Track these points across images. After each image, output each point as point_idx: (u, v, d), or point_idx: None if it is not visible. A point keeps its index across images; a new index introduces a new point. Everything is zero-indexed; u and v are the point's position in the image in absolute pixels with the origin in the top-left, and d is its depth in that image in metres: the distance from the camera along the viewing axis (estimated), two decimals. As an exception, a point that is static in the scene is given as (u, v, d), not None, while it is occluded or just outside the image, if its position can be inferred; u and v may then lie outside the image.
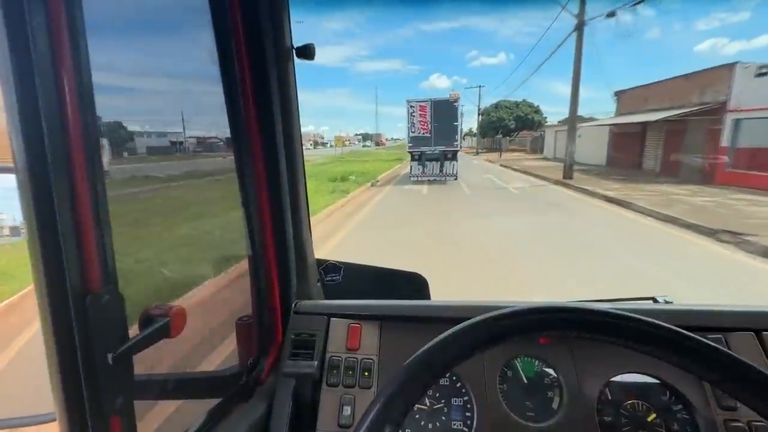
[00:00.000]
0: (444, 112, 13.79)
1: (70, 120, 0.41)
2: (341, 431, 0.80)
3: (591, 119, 22.31)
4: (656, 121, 13.63)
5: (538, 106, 42.71)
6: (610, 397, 0.79)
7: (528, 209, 8.94)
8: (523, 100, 43.09)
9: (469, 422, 0.80)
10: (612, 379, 0.80)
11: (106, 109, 0.51)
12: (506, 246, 5.77)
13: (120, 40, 0.63)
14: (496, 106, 43.04)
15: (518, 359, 0.84)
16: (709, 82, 12.28)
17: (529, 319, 0.47)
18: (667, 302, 0.98)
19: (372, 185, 14.34)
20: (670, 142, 14.06)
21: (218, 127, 0.82)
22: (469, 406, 0.81)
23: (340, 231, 6.89)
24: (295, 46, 0.89)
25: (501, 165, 22.53)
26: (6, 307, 1.38)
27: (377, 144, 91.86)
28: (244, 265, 0.90)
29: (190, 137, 1.05)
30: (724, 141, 11.65)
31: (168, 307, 0.55)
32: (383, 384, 0.75)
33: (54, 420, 0.45)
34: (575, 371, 0.81)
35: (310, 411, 0.83)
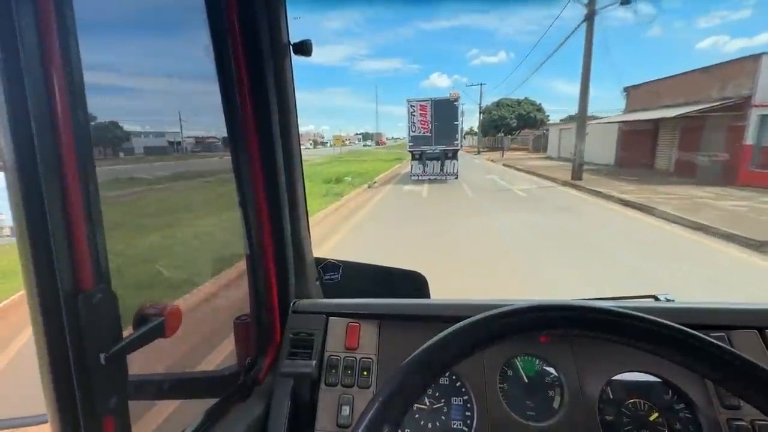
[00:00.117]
0: (444, 111, 13.74)
1: (60, 118, 0.41)
2: (340, 431, 0.79)
3: (593, 117, 21.77)
4: (670, 118, 12.79)
5: (540, 104, 42.18)
6: (611, 396, 0.78)
7: (537, 215, 8.08)
8: (525, 98, 42.53)
9: (469, 422, 0.79)
10: (613, 378, 0.79)
11: (100, 107, 0.51)
12: (519, 264, 4.94)
13: (112, 36, 0.63)
14: (498, 104, 42.47)
15: (519, 358, 0.83)
16: (731, 75, 11.40)
17: (529, 318, 0.47)
18: (668, 300, 0.98)
19: (369, 187, 13.58)
20: (685, 140, 13.20)
21: (215, 125, 0.81)
22: (469, 405, 0.80)
23: (324, 244, 6.06)
24: (291, 43, 0.88)
25: (503, 164, 21.71)
26: (5, 307, 1.38)
27: (378, 143, 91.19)
28: (242, 264, 0.89)
29: (186, 136, 1.04)
30: (749, 138, 10.79)
31: (163, 307, 0.54)
32: (382, 383, 0.73)
33: (46, 421, 0.44)
34: (576, 370, 0.80)
35: (309, 411, 0.82)
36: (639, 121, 14.87)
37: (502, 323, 0.47)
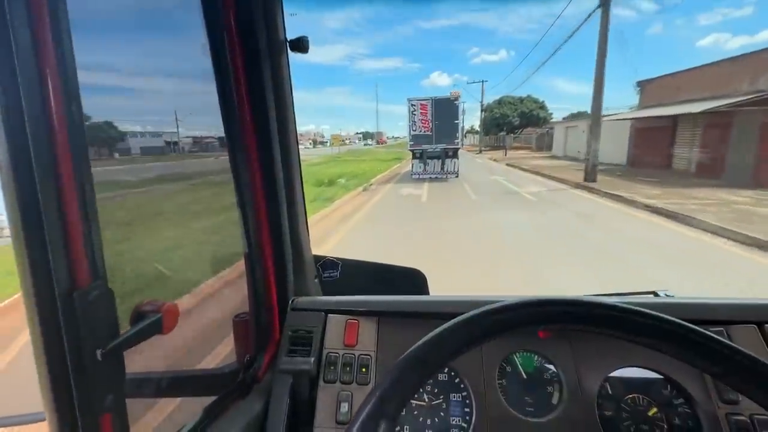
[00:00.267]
0: (445, 110, 13.81)
1: (54, 117, 0.41)
2: (339, 428, 0.79)
3: (601, 115, 20.79)
4: (690, 114, 11.68)
5: (543, 101, 41.12)
6: (610, 392, 0.78)
7: (554, 225, 6.98)
8: (528, 96, 41.55)
9: (468, 418, 0.79)
10: (612, 374, 0.79)
11: (96, 106, 0.51)
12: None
13: (107, 34, 0.62)
14: (500, 102, 41.52)
15: (517, 354, 0.83)
16: (766, 65, 10.28)
17: (520, 314, 0.47)
18: (668, 296, 0.98)
19: (364, 189, 12.51)
20: (708, 137, 12.07)
21: (212, 123, 0.80)
22: (467, 401, 0.80)
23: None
24: (288, 40, 0.87)
25: (507, 164, 20.61)
26: (6, 306, 1.40)
27: (378, 142, 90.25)
28: (240, 262, 0.88)
29: (183, 135, 1.04)
30: (787, 136, 9.69)
31: (160, 304, 0.54)
32: (379, 379, 0.70)
33: (44, 419, 0.44)
34: (575, 366, 0.80)
35: (308, 408, 0.82)
36: (655, 117, 13.74)
37: (496, 319, 0.47)
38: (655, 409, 0.76)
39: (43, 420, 0.46)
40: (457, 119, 14.02)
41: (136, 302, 0.53)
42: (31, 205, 0.39)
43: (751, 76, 10.61)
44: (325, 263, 1.14)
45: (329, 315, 0.90)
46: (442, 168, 14.11)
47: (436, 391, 0.81)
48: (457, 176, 14.08)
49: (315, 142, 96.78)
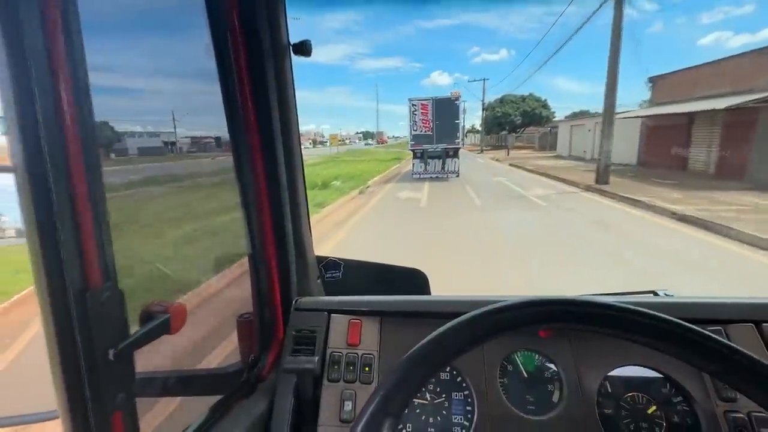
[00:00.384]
0: (445, 110, 13.81)
1: (67, 118, 0.41)
2: (343, 426, 0.79)
3: (597, 114, 20.39)
4: (708, 112, 10.87)
5: (545, 100, 40.37)
6: (610, 390, 0.79)
7: (572, 236, 6.18)
8: (530, 94, 40.78)
9: (469, 416, 0.79)
10: (612, 373, 0.79)
11: (106, 109, 0.52)
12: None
13: (116, 40, 0.63)
14: (502, 101, 40.78)
15: (518, 353, 0.83)
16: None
17: (523, 313, 0.48)
18: (667, 295, 0.98)
19: (360, 192, 11.73)
20: (729, 136, 11.25)
21: (216, 125, 0.81)
22: (469, 400, 0.81)
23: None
24: (291, 43, 0.88)
25: (510, 164, 19.80)
26: (8, 305, 1.39)
27: (379, 142, 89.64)
28: (244, 262, 0.89)
29: (188, 137, 1.06)
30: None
31: (168, 304, 0.54)
32: (383, 378, 0.76)
33: (57, 417, 0.45)
34: (575, 365, 0.80)
35: (312, 406, 0.82)
36: (668, 115, 12.91)
37: (498, 318, 0.47)
38: (654, 407, 0.77)
39: (56, 418, 0.45)
40: (458, 119, 14.04)
41: (142, 301, 0.54)
42: (45, 208, 0.40)
43: (778, 70, 9.79)
44: (327, 264, 1.14)
45: (332, 315, 0.91)
46: (443, 168, 14.06)
47: (438, 389, 0.82)
48: (457, 175, 14.00)
49: (315, 142, 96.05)
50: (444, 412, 0.80)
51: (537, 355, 0.82)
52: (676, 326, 0.44)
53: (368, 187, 12.94)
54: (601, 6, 10.85)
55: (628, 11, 10.08)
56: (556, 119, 34.19)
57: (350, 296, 0.95)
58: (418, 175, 14.15)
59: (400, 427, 0.78)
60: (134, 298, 0.52)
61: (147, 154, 0.97)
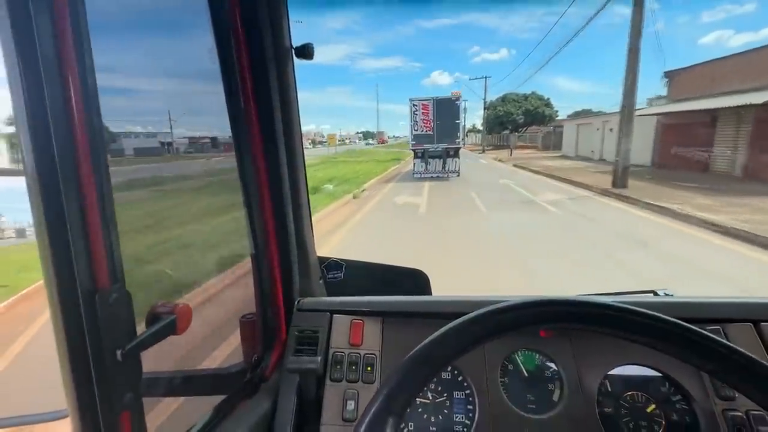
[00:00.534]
0: (446, 110, 13.85)
1: (76, 121, 0.42)
2: (345, 425, 0.80)
3: (600, 113, 20.31)
4: (734, 108, 9.90)
5: (548, 98, 39.46)
6: (610, 389, 0.79)
7: (603, 257, 5.22)
8: (533, 93, 39.96)
9: (471, 415, 0.80)
10: (612, 372, 0.80)
11: (113, 111, 0.53)
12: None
13: (121, 43, 0.65)
14: (503, 100, 40.00)
15: (519, 353, 0.84)
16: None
17: (524, 314, 0.48)
18: (667, 295, 0.99)
19: (354, 197, 10.80)
20: (759, 135, 10.28)
21: (220, 127, 0.83)
22: (471, 399, 0.81)
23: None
24: (294, 46, 0.89)
25: (514, 165, 18.88)
26: (8, 306, 1.37)
27: (379, 142, 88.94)
28: (247, 263, 0.90)
29: (193, 138, 1.07)
30: None
31: (174, 305, 0.55)
32: (385, 377, 0.74)
33: (66, 417, 0.45)
34: (575, 364, 0.81)
35: (315, 406, 0.83)
36: (688, 112, 11.95)
37: (501, 318, 0.48)
38: (653, 406, 0.77)
39: (65, 417, 0.46)
40: (459, 119, 14.08)
41: (149, 302, 0.54)
42: (55, 210, 0.41)
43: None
44: (329, 264, 1.15)
45: (334, 315, 0.92)
46: (444, 167, 14.08)
47: (439, 389, 0.83)
48: (458, 175, 14.07)
49: (315, 142, 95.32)
50: (445, 411, 0.81)
51: (537, 355, 0.83)
52: (675, 326, 0.45)
53: (363, 190, 12.03)
54: (604, 6, 10.17)
55: (627, 11, 9.22)
56: (559, 118, 33.27)
57: (352, 297, 0.97)
58: (419, 175, 14.13)
59: (402, 426, 0.78)
60: (140, 299, 0.52)
61: (152, 155, 0.97)
